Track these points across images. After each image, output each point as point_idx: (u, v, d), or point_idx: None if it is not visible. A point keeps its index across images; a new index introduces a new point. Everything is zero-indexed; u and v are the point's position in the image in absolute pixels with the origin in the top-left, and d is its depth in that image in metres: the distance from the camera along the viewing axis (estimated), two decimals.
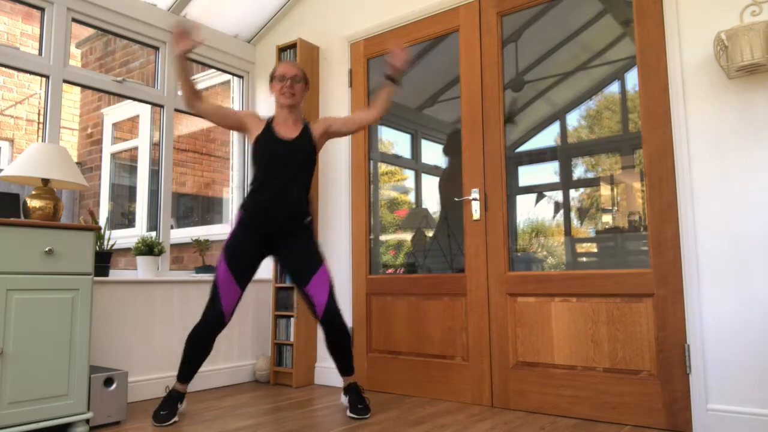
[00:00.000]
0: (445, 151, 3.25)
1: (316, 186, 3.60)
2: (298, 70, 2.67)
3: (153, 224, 4.40)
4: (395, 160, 3.53)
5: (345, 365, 2.67)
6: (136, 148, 5.07)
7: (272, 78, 2.68)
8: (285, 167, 2.58)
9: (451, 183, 3.14)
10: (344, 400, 2.72)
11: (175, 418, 2.55)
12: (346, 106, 3.54)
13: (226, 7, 3.72)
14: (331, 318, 2.56)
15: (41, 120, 5.54)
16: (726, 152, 2.29)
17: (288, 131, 2.64)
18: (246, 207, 2.62)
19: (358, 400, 2.62)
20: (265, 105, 3.99)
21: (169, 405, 2.55)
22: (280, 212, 2.58)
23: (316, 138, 2.67)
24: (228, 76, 4.22)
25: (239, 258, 2.56)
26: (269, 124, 2.65)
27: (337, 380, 3.34)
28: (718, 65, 2.31)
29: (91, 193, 5.28)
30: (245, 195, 2.66)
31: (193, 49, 2.44)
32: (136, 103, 4.14)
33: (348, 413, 2.62)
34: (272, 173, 2.58)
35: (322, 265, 2.60)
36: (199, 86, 4.75)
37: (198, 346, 2.57)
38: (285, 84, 2.62)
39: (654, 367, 2.40)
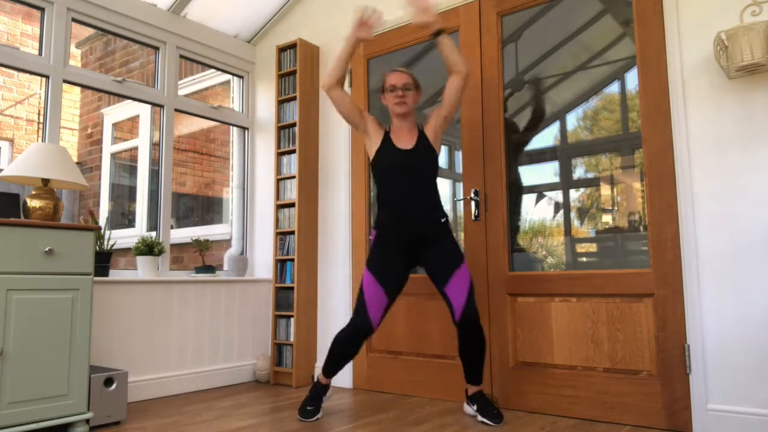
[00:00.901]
0: None
1: (315, 186, 3.60)
2: (408, 78, 2.61)
3: (153, 224, 4.40)
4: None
5: (475, 373, 2.54)
6: (136, 148, 5.07)
7: (383, 89, 2.65)
8: (409, 178, 2.55)
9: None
10: (469, 409, 2.63)
11: (320, 414, 2.60)
12: None
13: (226, 7, 3.72)
14: (468, 322, 2.44)
15: (41, 120, 5.53)
16: (726, 152, 2.29)
17: (405, 141, 2.61)
18: (380, 225, 2.59)
19: (490, 406, 2.51)
20: (265, 104, 3.99)
21: (316, 399, 2.61)
22: (413, 224, 2.54)
23: (432, 139, 2.63)
24: (228, 76, 4.22)
25: (383, 265, 2.53)
26: (387, 135, 2.63)
27: (337, 380, 3.34)
28: (718, 65, 2.31)
29: (91, 193, 5.28)
30: (377, 212, 2.62)
31: (365, 39, 2.58)
32: (136, 103, 4.14)
33: (480, 418, 2.50)
34: (398, 186, 2.55)
35: (460, 266, 2.50)
36: (199, 86, 4.75)
37: (345, 348, 2.55)
38: (396, 93, 2.59)
39: (654, 367, 2.40)
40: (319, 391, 2.63)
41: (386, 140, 2.62)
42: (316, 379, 2.68)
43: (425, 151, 2.59)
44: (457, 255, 2.53)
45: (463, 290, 2.46)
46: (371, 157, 2.65)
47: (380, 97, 2.70)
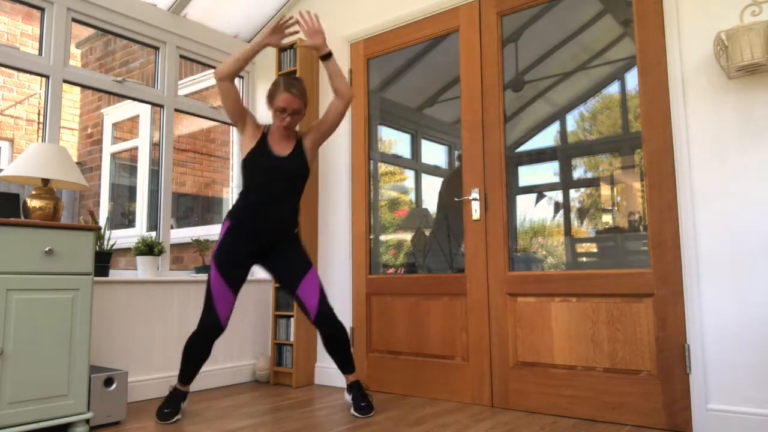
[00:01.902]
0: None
1: (315, 186, 3.60)
2: (299, 104, 2.60)
3: (153, 224, 4.40)
4: (395, 160, 3.53)
5: (344, 363, 2.70)
6: (136, 148, 5.07)
7: (271, 99, 2.63)
8: (276, 183, 2.62)
9: (454, 186, 3.14)
10: (348, 398, 2.73)
11: (178, 416, 2.58)
12: None
13: (226, 7, 3.71)
14: (324, 318, 2.60)
15: (41, 120, 5.53)
16: (726, 152, 2.29)
17: (281, 147, 2.66)
18: (235, 217, 2.64)
19: (361, 398, 2.64)
20: (266, 105, 3.98)
21: (173, 403, 2.60)
22: (269, 227, 2.63)
23: (308, 151, 2.70)
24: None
25: (230, 264, 2.60)
26: (264, 136, 2.66)
27: (337, 380, 3.34)
28: (718, 65, 2.31)
29: (91, 193, 5.28)
30: (234, 203, 2.69)
31: (275, 46, 2.62)
32: (136, 103, 4.13)
33: (351, 411, 2.64)
34: (263, 188, 2.61)
35: (311, 269, 2.67)
36: (199, 86, 4.75)
37: (196, 352, 2.62)
38: (284, 117, 2.60)
39: (654, 367, 2.40)
40: (177, 398, 2.63)
41: (262, 142, 2.65)
42: (174, 387, 2.67)
43: (298, 162, 2.66)
44: (306, 260, 2.68)
45: (315, 291, 2.62)
46: (243, 154, 2.67)
47: (267, 103, 2.66)
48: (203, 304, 2.61)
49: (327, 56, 2.61)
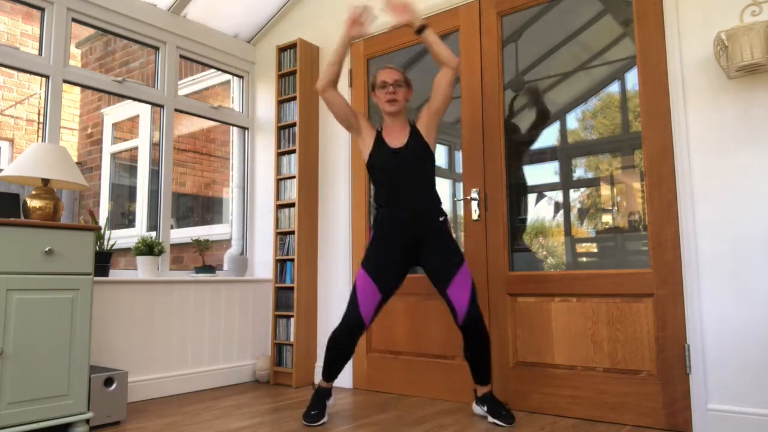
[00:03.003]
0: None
1: (316, 186, 3.60)
2: (399, 75, 2.60)
3: (153, 224, 4.40)
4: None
5: (483, 374, 2.52)
6: (136, 148, 5.07)
7: (373, 86, 2.63)
8: (404, 175, 2.54)
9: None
10: (478, 409, 2.60)
11: (325, 419, 2.53)
12: None
13: (225, 6, 3.71)
14: (472, 324, 2.42)
15: (41, 120, 5.53)
16: (726, 152, 2.29)
17: (397, 138, 2.59)
18: (377, 224, 2.59)
19: (500, 407, 2.49)
20: (265, 105, 3.99)
21: (319, 404, 2.54)
22: (411, 222, 2.53)
23: (425, 134, 2.59)
24: (228, 76, 4.22)
25: (377, 262, 2.51)
26: (379, 134, 2.63)
27: (338, 380, 3.33)
28: (718, 65, 2.31)
29: (91, 193, 5.28)
30: (375, 212, 2.62)
31: (360, 37, 2.61)
32: (136, 103, 4.13)
33: (491, 420, 2.48)
34: (393, 184, 2.55)
35: (461, 267, 2.47)
36: (199, 86, 4.75)
37: (339, 348, 2.53)
38: (387, 90, 2.57)
39: (654, 367, 2.40)
40: (321, 396, 2.57)
41: (378, 140, 2.61)
42: (317, 385, 2.62)
43: (418, 147, 2.56)
44: (458, 255, 2.50)
45: (466, 292, 2.44)
46: (365, 158, 2.64)
47: (371, 94, 2.69)
48: (348, 301, 2.52)
49: (421, 30, 2.50)
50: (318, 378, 3.45)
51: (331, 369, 2.57)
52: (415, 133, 2.59)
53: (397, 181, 2.55)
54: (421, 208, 2.54)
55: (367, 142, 2.63)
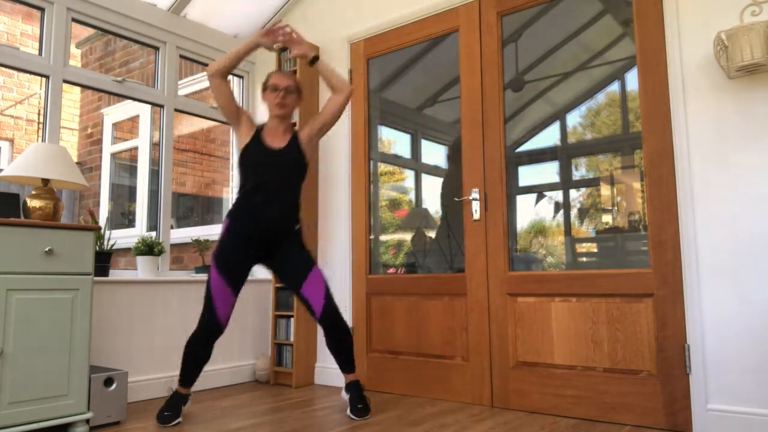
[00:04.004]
0: (450, 158, 3.24)
1: (315, 186, 3.60)
2: (291, 81, 2.66)
3: (153, 224, 4.40)
4: (395, 160, 3.53)
5: (346, 362, 2.67)
6: (136, 148, 5.07)
7: (265, 87, 2.69)
8: (273, 176, 2.60)
9: (454, 184, 3.14)
10: (345, 397, 2.71)
11: (179, 419, 2.55)
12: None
13: (225, 7, 3.71)
14: (330, 317, 2.58)
15: (41, 120, 5.53)
16: (726, 152, 2.29)
17: (277, 141, 2.65)
18: (234, 215, 2.63)
19: (358, 400, 2.62)
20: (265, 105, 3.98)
21: (173, 406, 2.57)
22: (268, 221, 2.59)
23: (305, 145, 2.68)
24: (228, 76, 4.21)
25: (230, 264, 2.57)
26: (258, 132, 2.67)
27: (337, 380, 3.34)
28: (718, 65, 2.31)
29: (91, 193, 5.28)
30: (234, 202, 2.67)
31: (267, 47, 2.63)
32: (136, 103, 4.13)
33: (347, 413, 2.62)
34: (260, 182, 2.59)
35: (314, 267, 2.63)
36: (199, 86, 4.75)
37: (197, 353, 2.59)
38: (278, 95, 2.63)
39: (654, 367, 2.40)
40: (177, 401, 2.59)
41: (256, 137, 2.66)
42: (174, 390, 2.65)
43: (294, 153, 2.65)
44: (309, 258, 2.65)
45: (320, 289, 2.59)
46: (239, 151, 2.68)
47: (262, 94, 2.73)
48: (204, 304, 2.59)
49: (313, 61, 2.62)
50: (318, 377, 3.46)
51: (188, 375, 2.61)
52: (295, 140, 2.67)
53: (265, 180, 2.60)
54: (282, 211, 2.62)
55: (244, 136, 2.68)
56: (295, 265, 2.62)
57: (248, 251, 2.61)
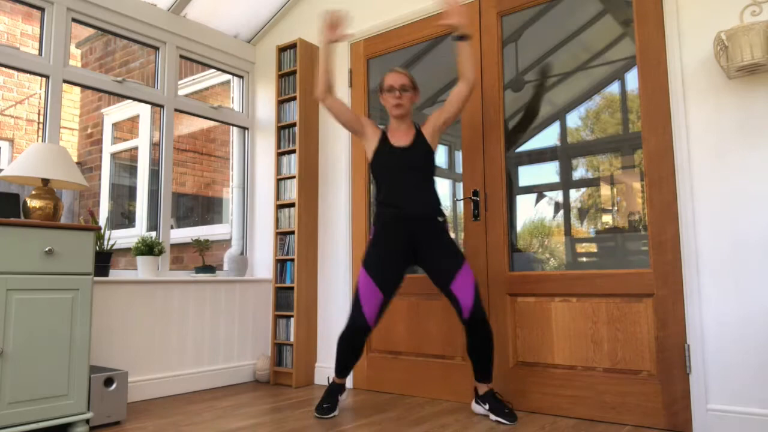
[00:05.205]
0: None
1: (316, 186, 3.60)
2: (406, 79, 2.67)
3: (153, 224, 4.40)
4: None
5: (485, 371, 2.54)
6: (136, 148, 5.07)
7: (381, 89, 2.71)
8: (405, 174, 2.60)
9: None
10: (479, 408, 2.62)
11: (336, 412, 2.63)
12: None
13: (226, 7, 3.72)
14: (476, 320, 2.46)
15: (41, 120, 5.53)
16: (726, 152, 2.29)
17: (401, 139, 2.67)
18: (377, 220, 2.64)
19: (503, 405, 2.50)
20: (265, 104, 3.99)
21: (331, 398, 2.64)
22: (410, 221, 2.58)
23: (429, 139, 2.66)
24: (228, 76, 4.22)
25: (377, 262, 2.55)
26: (384, 135, 2.69)
27: None
28: (718, 65, 2.31)
29: (91, 193, 5.28)
30: (376, 210, 2.67)
31: (341, 40, 2.63)
32: (136, 103, 4.14)
33: (493, 417, 2.50)
34: (394, 182, 2.60)
35: (464, 265, 2.51)
36: (199, 86, 4.75)
37: (348, 348, 2.61)
38: (394, 95, 2.64)
39: (654, 367, 2.40)
40: (333, 390, 2.68)
41: (383, 139, 2.67)
42: (332, 380, 2.73)
43: (422, 148, 2.64)
44: (459, 254, 2.55)
45: (470, 288, 2.48)
46: (369, 158, 2.69)
47: (379, 97, 2.75)
48: (352, 303, 2.60)
49: (463, 37, 2.52)
50: (318, 377, 3.46)
51: (342, 366, 2.66)
52: (420, 136, 2.67)
53: (400, 180, 2.60)
54: (422, 206, 2.59)
55: (371, 141, 2.69)
56: (444, 262, 2.52)
57: (396, 251, 2.57)
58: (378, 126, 2.75)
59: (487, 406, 2.54)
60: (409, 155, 2.61)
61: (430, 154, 2.65)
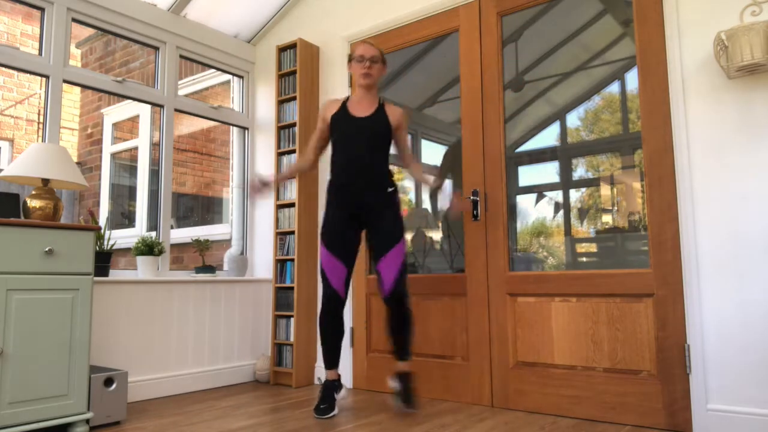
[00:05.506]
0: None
1: (316, 186, 3.60)
2: (376, 51, 2.72)
3: (153, 224, 4.40)
4: (395, 160, 3.53)
5: (401, 350, 2.67)
6: (136, 148, 5.07)
7: (350, 58, 2.75)
8: (360, 142, 2.65)
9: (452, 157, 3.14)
10: (392, 383, 2.73)
11: (335, 411, 2.63)
12: None
13: (226, 7, 3.71)
14: (395, 299, 2.59)
15: (41, 120, 5.54)
16: (726, 152, 2.29)
17: (362, 110, 2.72)
18: (330, 186, 2.72)
19: (408, 390, 2.65)
20: (265, 104, 3.99)
21: (327, 397, 2.65)
22: (360, 185, 2.64)
23: (392, 120, 2.71)
24: (228, 76, 4.22)
25: (335, 237, 2.65)
26: (344, 104, 2.74)
27: None
28: (718, 65, 2.31)
29: (91, 193, 5.28)
30: (329, 176, 2.75)
31: (266, 193, 2.77)
32: (136, 103, 4.14)
33: (396, 402, 2.66)
34: (349, 149, 2.66)
35: (397, 245, 2.62)
36: (199, 86, 4.75)
37: (328, 326, 2.66)
38: (364, 64, 2.68)
39: (654, 367, 2.40)
40: (328, 388, 2.68)
41: (343, 108, 2.73)
42: (323, 380, 2.73)
43: (380, 121, 2.69)
44: (396, 232, 2.65)
45: (396, 267, 2.59)
46: (327, 121, 2.75)
47: (347, 65, 2.79)
48: (321, 282, 2.67)
49: (436, 189, 2.80)
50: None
51: (329, 354, 2.69)
52: (381, 110, 2.72)
53: (354, 145, 2.66)
54: (373, 175, 2.66)
55: (332, 111, 2.75)
56: (383, 236, 2.63)
57: (349, 219, 2.67)
58: (337, 99, 2.80)
59: (396, 386, 2.68)
60: (367, 124, 2.66)
61: (388, 128, 2.69)
